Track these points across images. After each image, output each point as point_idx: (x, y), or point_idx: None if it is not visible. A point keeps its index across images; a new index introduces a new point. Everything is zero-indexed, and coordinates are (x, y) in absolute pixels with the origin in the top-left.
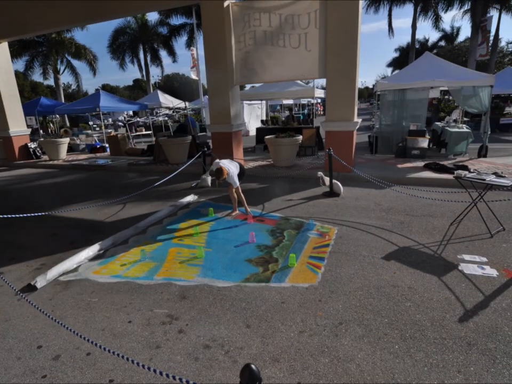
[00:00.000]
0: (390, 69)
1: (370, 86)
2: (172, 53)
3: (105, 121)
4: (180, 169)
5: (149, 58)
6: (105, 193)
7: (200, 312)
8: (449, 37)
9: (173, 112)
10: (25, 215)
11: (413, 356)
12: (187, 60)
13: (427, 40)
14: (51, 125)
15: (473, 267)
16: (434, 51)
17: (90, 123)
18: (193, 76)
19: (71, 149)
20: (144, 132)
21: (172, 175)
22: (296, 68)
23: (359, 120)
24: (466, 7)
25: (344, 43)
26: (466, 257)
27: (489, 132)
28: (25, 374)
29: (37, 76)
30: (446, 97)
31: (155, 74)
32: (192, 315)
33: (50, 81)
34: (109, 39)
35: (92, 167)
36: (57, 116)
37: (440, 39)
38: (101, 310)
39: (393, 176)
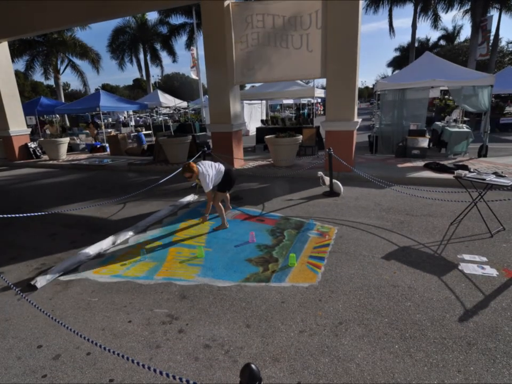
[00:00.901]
0: (390, 69)
1: (370, 86)
2: (171, 52)
3: (105, 120)
4: (179, 169)
5: (148, 58)
6: (105, 193)
7: (200, 312)
8: (449, 36)
9: (175, 110)
10: (25, 215)
11: (413, 355)
12: (187, 59)
13: (428, 40)
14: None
15: (473, 267)
16: (435, 51)
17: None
18: (193, 76)
19: (71, 148)
20: (144, 132)
21: (172, 175)
22: (298, 68)
23: (359, 120)
24: (466, 7)
25: (344, 43)
26: (466, 257)
27: (488, 132)
28: (25, 373)
29: (37, 76)
30: (446, 96)
31: (155, 74)
32: (192, 315)
33: (51, 81)
34: (108, 39)
35: (92, 166)
36: (57, 115)
37: (440, 39)
38: (101, 309)
39: (393, 176)
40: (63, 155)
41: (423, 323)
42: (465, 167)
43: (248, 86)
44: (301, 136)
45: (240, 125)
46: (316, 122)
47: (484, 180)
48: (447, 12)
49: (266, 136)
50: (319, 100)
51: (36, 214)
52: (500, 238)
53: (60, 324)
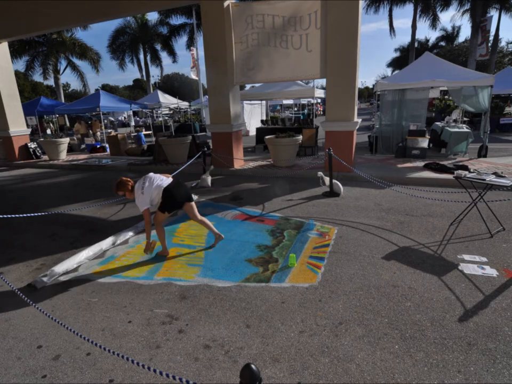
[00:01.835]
0: (390, 69)
1: (370, 86)
2: (171, 53)
3: (105, 120)
4: (179, 169)
5: (149, 59)
6: (105, 193)
7: (200, 312)
8: (449, 37)
9: (176, 109)
10: (25, 215)
11: (413, 355)
12: (187, 60)
13: (427, 40)
14: (51, 124)
15: (473, 267)
16: (435, 51)
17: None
18: (193, 76)
19: (71, 149)
20: (144, 132)
21: (172, 175)
22: (297, 68)
23: (359, 120)
24: (466, 7)
25: (344, 43)
26: (466, 257)
27: (488, 132)
28: (25, 374)
29: (37, 76)
30: (446, 97)
31: (155, 74)
32: (192, 315)
33: (51, 81)
34: (108, 39)
35: (92, 167)
36: (57, 115)
37: (440, 39)
38: (101, 310)
39: (393, 176)
40: (63, 155)
41: (423, 323)
42: (465, 167)
43: (248, 86)
44: (300, 137)
45: (240, 125)
46: (316, 122)
47: (484, 180)
48: (442, 10)
49: (266, 137)
50: (319, 100)
51: (36, 214)
52: (500, 238)
53: (59, 324)
